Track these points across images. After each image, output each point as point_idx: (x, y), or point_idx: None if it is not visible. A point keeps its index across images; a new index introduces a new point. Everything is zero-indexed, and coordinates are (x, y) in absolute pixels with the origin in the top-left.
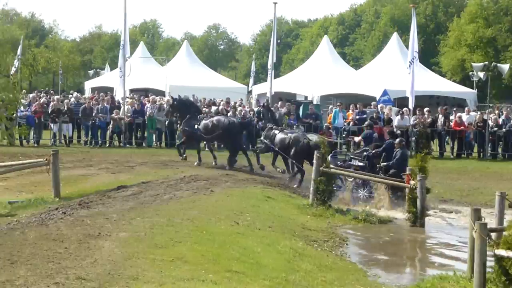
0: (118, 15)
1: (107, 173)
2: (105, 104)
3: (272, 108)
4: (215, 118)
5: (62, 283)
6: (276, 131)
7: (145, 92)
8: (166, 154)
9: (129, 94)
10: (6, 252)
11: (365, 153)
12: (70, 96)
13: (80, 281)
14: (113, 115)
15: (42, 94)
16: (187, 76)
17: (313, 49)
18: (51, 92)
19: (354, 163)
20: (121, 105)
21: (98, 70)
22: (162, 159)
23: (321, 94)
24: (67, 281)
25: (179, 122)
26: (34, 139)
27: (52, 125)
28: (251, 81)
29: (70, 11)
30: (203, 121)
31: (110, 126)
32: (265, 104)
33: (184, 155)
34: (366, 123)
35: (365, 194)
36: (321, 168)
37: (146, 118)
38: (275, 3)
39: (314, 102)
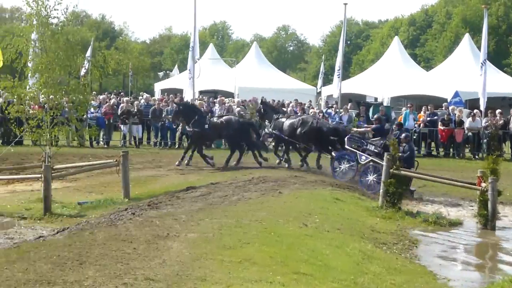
0: (188, 17)
1: (176, 174)
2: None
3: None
4: (225, 118)
5: (130, 283)
6: (283, 119)
7: (214, 93)
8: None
9: (198, 96)
10: (75, 253)
11: (381, 141)
12: (140, 97)
13: (149, 281)
14: None
15: (112, 96)
16: (256, 78)
17: (383, 50)
18: (121, 93)
19: (370, 148)
20: None
21: (167, 72)
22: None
23: (391, 95)
24: (135, 282)
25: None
26: (104, 140)
27: (122, 126)
28: (320, 82)
29: (140, 13)
30: (213, 121)
31: (180, 127)
32: (260, 105)
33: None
34: (375, 116)
35: (374, 179)
36: (391, 170)
37: None
38: (345, 4)
39: (385, 104)
